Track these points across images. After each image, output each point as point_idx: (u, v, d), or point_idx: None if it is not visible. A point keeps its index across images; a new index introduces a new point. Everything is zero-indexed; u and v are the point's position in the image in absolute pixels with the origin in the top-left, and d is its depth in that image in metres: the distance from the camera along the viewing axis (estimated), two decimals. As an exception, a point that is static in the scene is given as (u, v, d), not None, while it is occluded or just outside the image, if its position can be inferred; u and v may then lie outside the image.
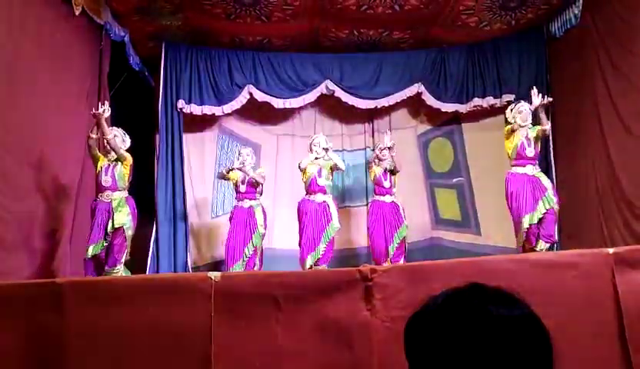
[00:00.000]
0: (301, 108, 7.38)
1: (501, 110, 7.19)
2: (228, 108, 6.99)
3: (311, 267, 5.48)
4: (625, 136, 5.50)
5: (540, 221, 5.16)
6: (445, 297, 0.97)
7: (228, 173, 5.97)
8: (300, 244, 5.69)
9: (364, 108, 7.22)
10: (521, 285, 2.78)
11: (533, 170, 5.28)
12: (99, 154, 5.07)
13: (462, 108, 7.15)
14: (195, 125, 7.23)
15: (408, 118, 7.67)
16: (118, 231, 4.92)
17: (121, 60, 6.58)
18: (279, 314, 2.98)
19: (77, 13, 5.39)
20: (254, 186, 5.87)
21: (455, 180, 7.45)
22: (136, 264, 6.51)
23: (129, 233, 4.99)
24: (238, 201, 5.91)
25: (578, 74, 6.27)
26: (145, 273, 6.15)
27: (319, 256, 5.56)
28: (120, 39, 6.39)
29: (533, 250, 5.11)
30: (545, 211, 5.14)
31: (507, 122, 5.51)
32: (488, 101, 7.02)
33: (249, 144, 7.47)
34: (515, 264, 3.21)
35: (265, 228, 5.90)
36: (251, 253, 5.67)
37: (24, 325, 3.03)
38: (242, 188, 5.88)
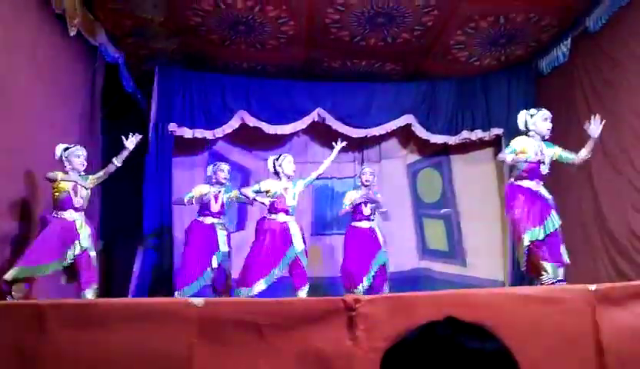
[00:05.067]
0: (292, 134, 7.43)
1: (490, 143, 7.32)
2: (219, 132, 7.03)
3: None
4: (610, 172, 5.57)
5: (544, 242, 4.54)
6: (419, 329, 1.00)
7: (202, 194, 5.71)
8: (248, 264, 5.31)
9: (355, 136, 7.27)
10: (503, 319, 2.82)
11: (537, 186, 4.71)
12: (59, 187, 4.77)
13: (451, 140, 7.23)
14: (186, 148, 7.25)
15: (398, 147, 7.75)
16: (83, 254, 4.71)
17: (114, 81, 6.62)
18: (262, 342, 2.97)
19: (72, 34, 5.42)
20: (224, 207, 5.73)
21: (442, 211, 7.49)
22: (122, 287, 6.48)
23: (93, 254, 4.80)
24: (201, 216, 5.65)
25: (565, 110, 6.36)
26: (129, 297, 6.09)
27: (273, 281, 5.23)
28: (114, 61, 6.43)
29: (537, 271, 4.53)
30: (551, 231, 4.56)
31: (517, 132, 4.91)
32: (477, 134, 7.12)
33: (240, 168, 7.53)
34: (499, 296, 3.23)
35: (229, 247, 5.68)
36: (210, 276, 5.47)
37: (7, 347, 3.00)
38: (215, 208, 5.66)
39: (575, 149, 5.16)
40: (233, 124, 7.04)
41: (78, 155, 4.88)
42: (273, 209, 5.44)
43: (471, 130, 7.13)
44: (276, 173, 5.61)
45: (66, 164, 4.84)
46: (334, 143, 6.00)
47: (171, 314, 3.09)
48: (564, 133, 6.38)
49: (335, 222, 7.34)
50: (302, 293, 5.28)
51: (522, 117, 4.88)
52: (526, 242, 4.50)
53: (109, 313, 3.18)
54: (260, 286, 5.16)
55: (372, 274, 5.73)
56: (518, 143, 4.73)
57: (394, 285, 6.08)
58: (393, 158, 7.71)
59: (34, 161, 4.98)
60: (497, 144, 7.22)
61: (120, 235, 7.21)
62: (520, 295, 3.18)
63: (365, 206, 5.96)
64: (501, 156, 4.83)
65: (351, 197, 6.00)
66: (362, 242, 5.82)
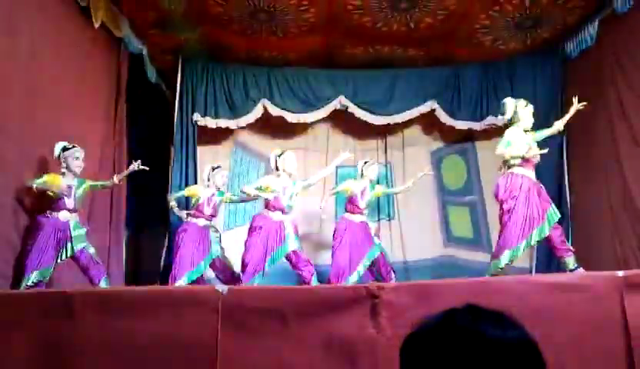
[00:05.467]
0: (314, 123, 7.42)
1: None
2: (242, 121, 7.07)
3: None
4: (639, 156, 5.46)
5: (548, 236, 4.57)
6: (439, 317, 0.98)
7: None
8: (244, 260, 5.36)
9: (377, 124, 7.23)
10: (529, 306, 2.79)
11: (533, 174, 4.74)
12: (52, 182, 4.63)
13: (476, 126, 7.14)
14: (210, 138, 7.30)
15: (422, 134, 7.68)
16: (82, 253, 4.70)
17: (138, 73, 6.69)
18: (286, 329, 2.99)
19: (96, 26, 5.49)
20: (216, 210, 5.89)
21: (467, 198, 7.42)
22: (149, 275, 6.59)
23: (92, 251, 4.78)
24: (194, 218, 5.73)
25: (593, 94, 6.22)
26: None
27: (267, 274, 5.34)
28: (138, 52, 6.50)
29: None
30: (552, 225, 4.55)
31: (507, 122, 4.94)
32: (503, 119, 6.99)
33: (263, 157, 7.56)
34: (524, 284, 3.20)
35: (222, 248, 5.83)
36: (201, 272, 5.60)
37: (33, 334, 3.07)
38: (208, 210, 5.75)
39: (608, 131, 5.10)
40: (256, 113, 7.06)
41: (77, 157, 4.77)
42: (270, 207, 5.46)
43: (497, 115, 7.00)
44: (277, 168, 5.59)
45: (63, 164, 4.74)
46: (350, 142, 5.90)
47: (197, 302, 3.12)
48: (592, 116, 6.27)
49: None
50: (313, 283, 5.30)
51: (512, 106, 4.84)
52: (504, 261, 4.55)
53: (135, 300, 3.23)
54: (256, 281, 5.25)
55: (362, 270, 5.64)
56: (512, 135, 4.71)
57: (418, 273, 6.05)
58: (417, 145, 7.65)
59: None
60: (523, 130, 7.12)
61: (147, 224, 7.32)
62: (546, 282, 3.14)
63: (362, 199, 5.85)
64: (499, 151, 4.76)
65: (350, 187, 5.91)
66: (354, 236, 5.69)
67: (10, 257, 4.42)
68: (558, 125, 4.92)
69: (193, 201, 5.85)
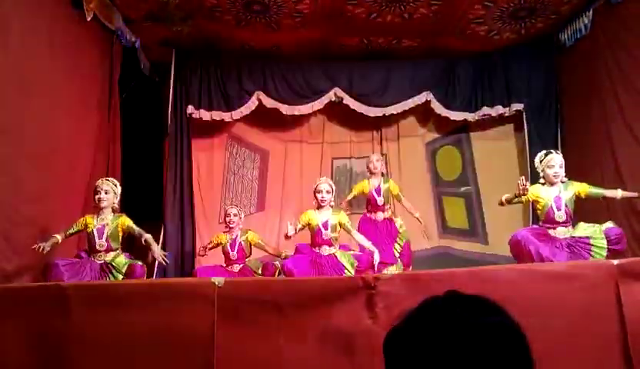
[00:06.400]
0: (309, 115, 7.40)
1: (510, 119, 7.22)
2: (237, 114, 7.02)
3: None
4: (633, 146, 5.47)
5: None
6: (420, 305, 0.97)
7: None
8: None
9: (372, 115, 7.22)
10: (526, 295, 2.80)
11: (566, 232, 4.36)
12: (82, 223, 4.66)
13: (471, 117, 7.13)
14: (205, 131, 7.27)
15: (417, 125, 7.68)
16: (135, 267, 4.53)
17: (131, 65, 6.65)
18: (282, 321, 3.00)
19: (88, 19, 5.45)
20: (244, 251, 5.45)
21: (462, 189, 7.43)
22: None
23: (139, 263, 4.65)
24: (229, 266, 5.41)
25: (587, 84, 6.24)
26: (152, 278, 6.15)
27: None
28: (131, 45, 6.46)
29: None
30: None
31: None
32: (497, 110, 7.01)
33: (257, 150, 7.55)
34: (519, 274, 3.21)
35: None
36: None
37: (29, 327, 3.06)
38: (233, 255, 5.39)
39: (602, 122, 5.01)
40: (250, 105, 7.02)
41: (96, 192, 4.67)
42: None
43: (491, 106, 7.02)
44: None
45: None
46: (345, 134, 5.86)
47: (192, 294, 3.12)
48: (586, 106, 6.28)
49: (354, 202, 7.31)
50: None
51: (536, 163, 4.65)
52: None
53: (131, 293, 3.22)
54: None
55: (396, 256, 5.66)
56: (531, 191, 4.50)
57: (414, 263, 6.06)
58: (412, 137, 7.65)
59: (54, 148, 5.03)
60: (517, 120, 7.13)
61: (142, 218, 7.27)
62: (542, 271, 3.15)
63: (379, 196, 5.83)
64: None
65: (364, 187, 5.90)
66: (378, 234, 5.59)
67: (9, 254, 4.39)
68: (613, 193, 4.55)
69: (222, 248, 5.52)
